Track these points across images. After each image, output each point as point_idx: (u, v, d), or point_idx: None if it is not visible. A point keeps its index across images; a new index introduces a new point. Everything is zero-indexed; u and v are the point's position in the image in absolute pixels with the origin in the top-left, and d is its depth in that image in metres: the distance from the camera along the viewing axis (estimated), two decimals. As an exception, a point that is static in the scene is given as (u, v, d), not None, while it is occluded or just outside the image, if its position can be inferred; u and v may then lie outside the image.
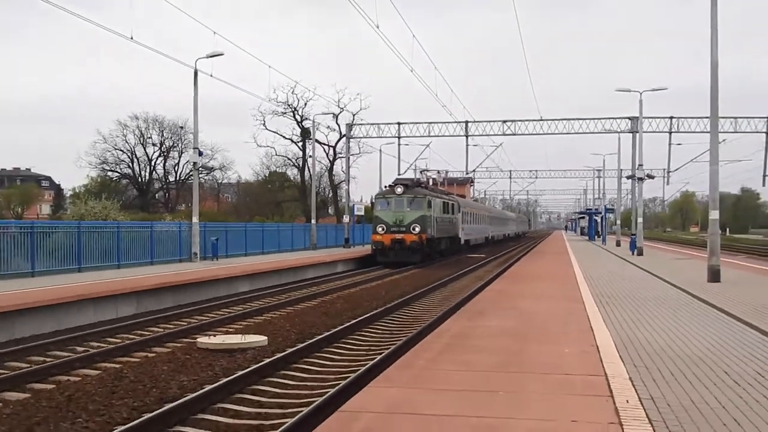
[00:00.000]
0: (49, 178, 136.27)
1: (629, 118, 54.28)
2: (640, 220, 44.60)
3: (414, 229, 39.94)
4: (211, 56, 32.44)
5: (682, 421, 6.41)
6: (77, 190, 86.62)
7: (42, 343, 14.31)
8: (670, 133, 54.54)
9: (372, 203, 51.03)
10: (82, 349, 14.04)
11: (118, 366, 12.04)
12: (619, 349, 10.02)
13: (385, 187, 43.42)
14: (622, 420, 6.37)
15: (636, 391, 7.47)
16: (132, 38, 26.53)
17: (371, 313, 18.33)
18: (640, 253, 40.79)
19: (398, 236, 39.88)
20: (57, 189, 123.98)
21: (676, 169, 68.76)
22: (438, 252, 44.91)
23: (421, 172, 58.51)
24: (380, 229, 40.45)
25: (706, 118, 44.31)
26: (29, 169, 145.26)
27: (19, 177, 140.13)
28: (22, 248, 23.43)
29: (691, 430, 6.17)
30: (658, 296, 17.58)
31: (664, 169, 61.18)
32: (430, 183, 53.60)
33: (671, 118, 54.42)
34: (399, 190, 41.27)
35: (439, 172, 64.76)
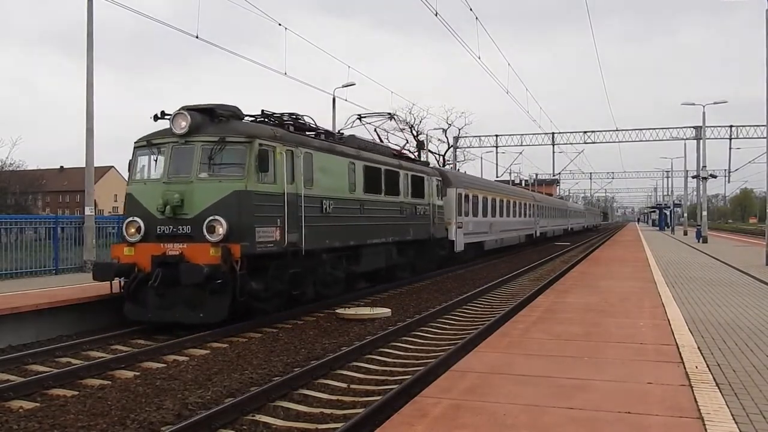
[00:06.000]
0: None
1: (693, 128, 51.88)
2: (704, 213, 42.78)
3: (212, 228, 11.35)
4: (346, 86, 32.87)
5: (746, 385, 6.03)
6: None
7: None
8: (730, 139, 51.82)
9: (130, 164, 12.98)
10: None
11: (275, 331, 12.30)
12: (688, 322, 9.53)
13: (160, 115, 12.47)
14: (692, 383, 6.04)
15: (704, 358, 7.08)
16: (285, 73, 27.12)
17: (475, 290, 18.11)
18: (705, 241, 38.88)
19: (170, 248, 11.49)
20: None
21: (736, 170, 65.33)
22: (321, 284, 14.75)
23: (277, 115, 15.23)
24: (131, 228, 11.93)
25: (763, 126, 41.77)
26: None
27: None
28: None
29: (755, 392, 5.79)
30: (722, 277, 16.66)
31: (725, 170, 58.06)
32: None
33: (731, 126, 51.70)
34: (182, 125, 11.90)
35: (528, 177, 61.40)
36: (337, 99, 33.05)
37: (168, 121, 12.25)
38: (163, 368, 9.31)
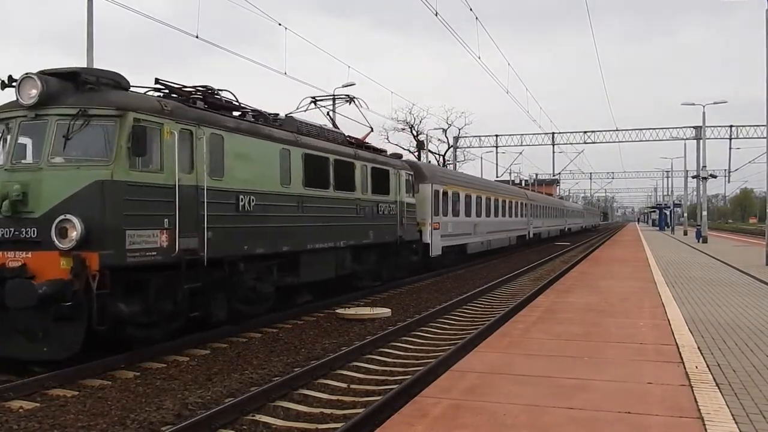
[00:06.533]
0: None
1: (693, 128, 51.94)
2: (704, 213, 42.87)
3: (63, 231, 8.59)
4: (346, 86, 32.82)
5: (746, 385, 6.04)
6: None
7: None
8: (730, 139, 51.88)
9: None
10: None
11: (275, 331, 12.30)
12: (688, 322, 9.54)
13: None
14: (692, 383, 6.05)
15: (704, 358, 7.08)
16: (285, 73, 27.13)
17: (475, 290, 18.10)
18: (705, 241, 38.89)
19: (11, 258, 8.76)
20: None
21: (736, 170, 65.34)
22: (240, 300, 11.72)
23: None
24: None
25: (763, 126, 41.80)
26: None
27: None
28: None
29: (755, 392, 5.79)
30: (722, 277, 16.66)
31: (725, 170, 58.09)
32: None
33: (731, 126, 51.75)
34: (31, 93, 9.09)
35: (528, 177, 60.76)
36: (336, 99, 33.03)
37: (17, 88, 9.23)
38: (163, 368, 9.31)
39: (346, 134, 17.18)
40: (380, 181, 17.63)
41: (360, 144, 17.64)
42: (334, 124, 17.85)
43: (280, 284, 12.98)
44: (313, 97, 17.79)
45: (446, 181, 24.45)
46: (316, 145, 14.27)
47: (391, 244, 18.38)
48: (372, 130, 19.86)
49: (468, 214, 27.01)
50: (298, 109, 17.05)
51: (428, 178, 22.28)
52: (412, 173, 20.29)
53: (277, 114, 14.08)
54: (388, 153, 20.14)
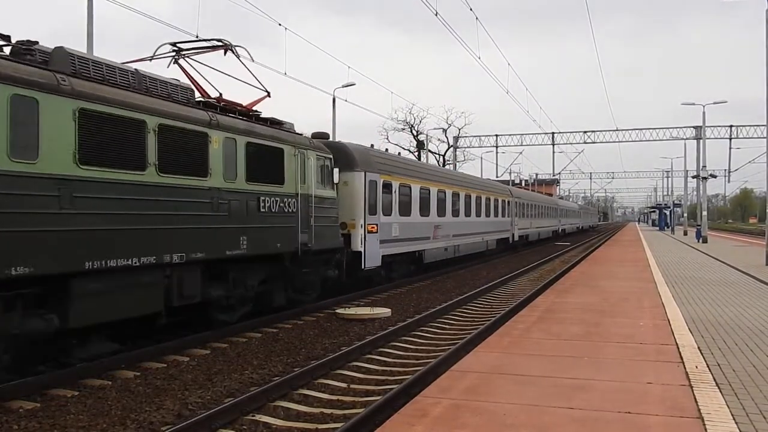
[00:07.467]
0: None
1: (693, 127, 51.99)
2: (704, 213, 42.84)
3: None
4: (346, 86, 32.92)
5: (745, 384, 6.04)
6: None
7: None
8: (730, 139, 51.95)
9: None
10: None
11: (275, 331, 12.30)
12: (688, 322, 9.54)
13: None
14: (692, 383, 6.06)
15: (704, 358, 7.09)
16: (285, 73, 27.12)
17: (475, 290, 18.10)
18: (705, 241, 38.91)
19: None
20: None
21: (736, 170, 65.44)
22: None
23: None
24: None
25: (763, 126, 41.81)
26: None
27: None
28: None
29: (754, 392, 5.80)
30: (722, 277, 16.66)
31: (725, 170, 58.15)
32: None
33: (731, 126, 51.79)
34: None
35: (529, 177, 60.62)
36: (337, 99, 33.03)
37: None
38: (163, 368, 9.31)
39: (218, 94, 12.24)
40: (266, 164, 12.33)
41: (231, 108, 12.09)
42: (192, 80, 12.08)
43: (23, 332, 7.80)
44: (174, 44, 12.40)
45: (388, 169, 18.81)
46: (112, 98, 8.89)
47: (286, 256, 13.08)
48: (268, 95, 13.83)
49: (425, 212, 21.48)
50: (153, 58, 12.25)
51: (359, 164, 16.98)
52: (330, 156, 14.90)
53: (36, 42, 8.74)
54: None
